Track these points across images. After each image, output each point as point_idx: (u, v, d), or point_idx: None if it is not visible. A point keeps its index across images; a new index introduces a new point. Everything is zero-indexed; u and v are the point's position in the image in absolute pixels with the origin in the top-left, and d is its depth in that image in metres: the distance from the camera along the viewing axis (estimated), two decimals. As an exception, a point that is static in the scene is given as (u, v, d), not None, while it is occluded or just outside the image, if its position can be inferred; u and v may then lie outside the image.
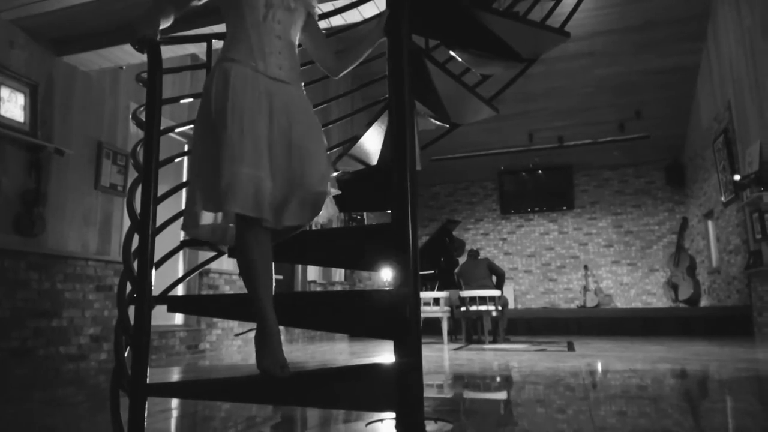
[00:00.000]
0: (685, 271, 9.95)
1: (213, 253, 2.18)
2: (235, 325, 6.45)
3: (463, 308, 6.88)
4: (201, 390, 1.72)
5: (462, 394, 2.69)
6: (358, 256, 1.79)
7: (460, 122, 2.66)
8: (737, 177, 7.31)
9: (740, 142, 7.43)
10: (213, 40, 2.44)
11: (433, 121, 2.66)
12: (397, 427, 1.64)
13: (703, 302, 9.78)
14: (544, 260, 11.87)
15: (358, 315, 1.68)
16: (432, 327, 7.47)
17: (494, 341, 6.80)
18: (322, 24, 4.26)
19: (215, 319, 6.14)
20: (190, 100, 2.41)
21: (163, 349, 5.28)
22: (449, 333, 7.35)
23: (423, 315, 6.88)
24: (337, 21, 3.90)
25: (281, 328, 1.68)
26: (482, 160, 11.56)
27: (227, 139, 1.57)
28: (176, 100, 2.28)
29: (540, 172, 12.00)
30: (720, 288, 8.97)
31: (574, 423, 1.84)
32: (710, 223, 9.59)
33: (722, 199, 8.24)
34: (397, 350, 1.70)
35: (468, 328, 7.18)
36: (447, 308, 7.03)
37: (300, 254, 1.96)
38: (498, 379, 3.33)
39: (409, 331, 1.66)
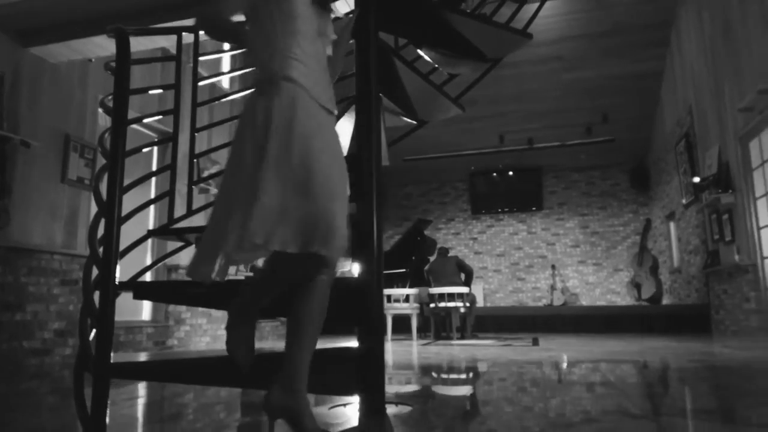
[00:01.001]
0: (648, 270, 10.25)
1: (180, 244, 2.20)
2: (204, 322, 6.43)
3: (432, 305, 6.98)
4: (165, 370, 1.75)
5: (424, 381, 2.77)
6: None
7: (427, 119, 2.74)
8: (697, 179, 7.58)
9: (700, 146, 7.72)
10: (183, 33, 2.46)
11: (402, 118, 2.73)
12: (359, 409, 1.70)
13: (665, 301, 10.09)
14: (512, 260, 12.08)
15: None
16: (402, 324, 7.55)
17: (462, 337, 6.92)
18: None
19: (184, 316, 6.11)
20: (159, 91, 2.42)
21: (130, 345, 5.24)
22: (418, 330, 7.44)
23: (393, 312, 6.96)
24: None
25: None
26: (454, 161, 11.72)
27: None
28: (144, 90, 2.29)
29: (511, 173, 12.21)
30: (680, 287, 9.28)
31: (527, 404, 1.92)
32: (672, 225, 9.90)
33: (683, 201, 8.53)
34: (360, 336, 1.76)
35: (437, 325, 7.29)
36: (416, 305, 7.12)
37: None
38: (461, 368, 3.42)
39: (371, 316, 1.72)
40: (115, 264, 1.63)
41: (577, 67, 9.46)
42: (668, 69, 9.31)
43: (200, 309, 6.35)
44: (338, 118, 2.27)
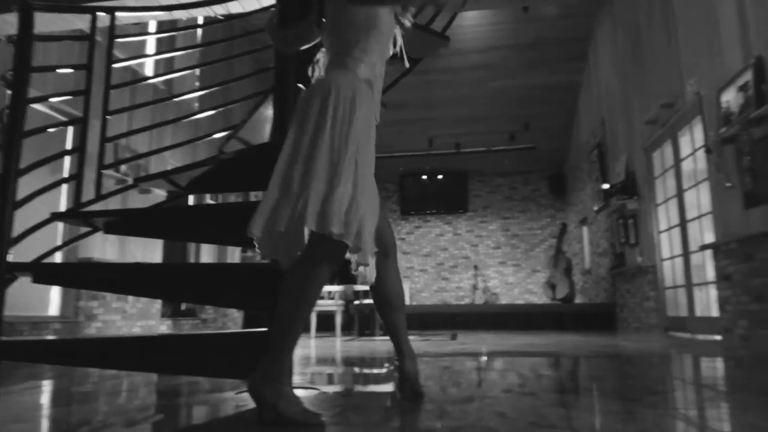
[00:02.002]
0: (563, 272, 10.84)
1: (87, 229, 2.14)
2: (118, 319, 6.17)
3: (356, 302, 7.05)
4: (57, 350, 1.70)
5: (338, 370, 2.83)
6: (233, 231, 1.86)
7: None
8: (606, 186, 8.11)
9: (611, 155, 8.26)
10: (97, 13, 2.39)
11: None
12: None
13: (577, 300, 10.71)
14: (438, 260, 12.40)
15: (228, 286, 1.74)
16: (327, 321, 7.58)
17: (385, 334, 7.03)
18: (219, 10, 4.24)
19: (96, 311, 5.84)
20: (70, 70, 2.34)
21: (35, 341, 4.95)
22: (343, 327, 7.48)
23: (317, 309, 6.96)
24: (235, 8, 3.91)
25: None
26: (383, 162, 11.76)
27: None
28: (51, 68, 2.21)
29: (440, 176, 12.53)
30: (591, 287, 9.88)
31: (428, 384, 2.02)
32: (585, 229, 10.53)
33: (595, 207, 9.10)
34: (269, 320, 1.79)
35: (361, 322, 7.36)
36: (341, 302, 7.16)
37: (176, 230, 1.99)
38: (375, 359, 3.51)
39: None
40: (7, 246, 1.58)
41: (502, 76, 9.86)
42: (585, 82, 9.90)
43: (114, 305, 6.09)
44: (256, 108, 2.29)
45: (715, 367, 2.85)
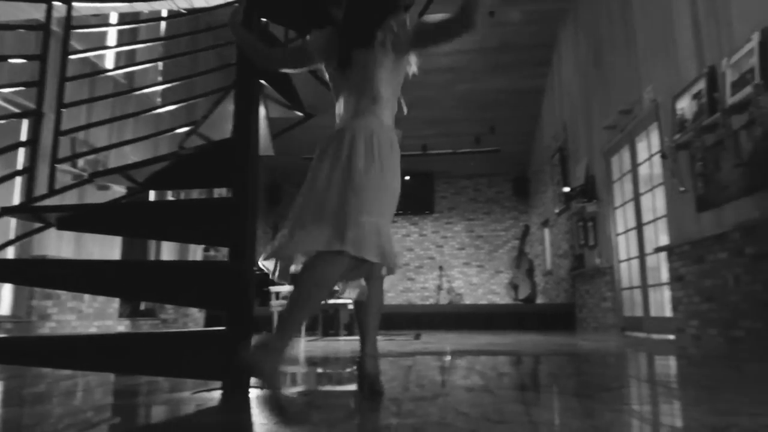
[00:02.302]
0: (525, 273, 11.04)
1: (39, 224, 2.07)
2: (73, 319, 5.97)
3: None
4: (8, 349, 1.64)
5: (299, 369, 2.81)
6: (193, 228, 1.83)
7: (314, 112, 2.78)
8: (567, 189, 8.30)
9: (572, 159, 8.46)
10: (53, 2, 2.31)
11: (290, 110, 2.75)
12: (223, 394, 1.71)
13: (539, 300, 10.92)
14: (404, 261, 12.46)
15: (189, 284, 1.71)
16: (290, 321, 7.51)
17: (350, 334, 7.02)
18: (182, 3, 4.16)
19: (50, 311, 5.64)
20: (22, 61, 2.26)
21: (-17, 342, 4.75)
22: (307, 328, 7.43)
23: (280, 308, 6.90)
24: (199, 2, 3.83)
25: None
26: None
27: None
28: (3, 59, 2.12)
29: (408, 177, 12.58)
30: (551, 288, 10.09)
31: (391, 384, 2.03)
32: (546, 231, 10.75)
33: (556, 209, 9.30)
34: (229, 319, 1.77)
35: (325, 322, 7.33)
36: (305, 302, 7.11)
37: (134, 227, 1.94)
38: (337, 358, 3.50)
39: (241, 300, 1.74)
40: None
41: (469, 79, 9.98)
42: (549, 87, 10.10)
43: (69, 304, 5.89)
44: (218, 104, 2.26)
45: (667, 365, 2.95)
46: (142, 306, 7.65)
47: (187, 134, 2.36)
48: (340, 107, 1.83)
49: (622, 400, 1.71)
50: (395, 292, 12.24)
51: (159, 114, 5.85)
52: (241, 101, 1.84)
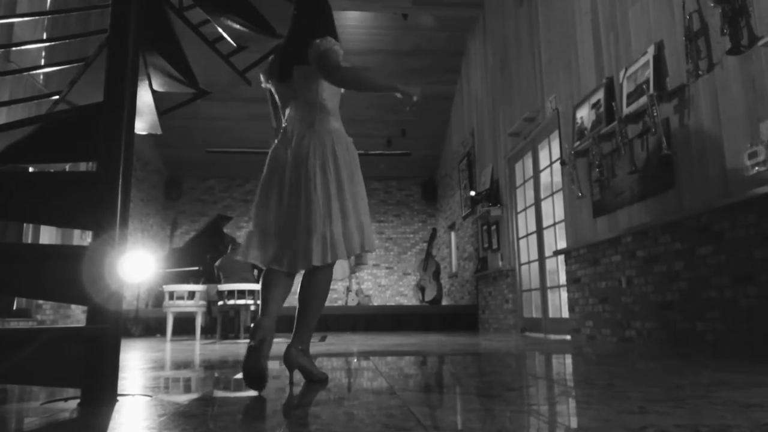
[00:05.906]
0: (432, 275, 11.18)
1: None
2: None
3: (220, 302, 6.63)
4: None
5: (184, 374, 2.55)
6: (47, 205, 1.54)
7: (209, 89, 2.54)
8: (473, 193, 8.49)
9: (479, 165, 8.67)
10: None
11: (180, 84, 2.49)
12: (81, 403, 1.44)
13: (444, 302, 11.10)
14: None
15: (67, 275, 1.43)
16: (187, 324, 7.05)
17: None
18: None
19: None
20: None
21: None
22: (206, 331, 7.01)
23: (175, 309, 6.44)
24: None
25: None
26: (260, 158, 11.41)
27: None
28: None
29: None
30: (456, 290, 10.29)
31: (276, 378, 1.86)
32: (453, 234, 10.96)
33: (462, 213, 9.49)
34: (90, 315, 1.50)
35: (224, 324, 6.94)
36: (203, 302, 6.70)
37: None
38: (229, 361, 3.25)
39: (106, 294, 1.48)
40: None
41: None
42: (458, 93, 10.32)
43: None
44: (88, 65, 1.96)
45: (564, 364, 3.00)
46: (15, 305, 6.83)
47: (56, 102, 2.04)
48: (291, 112, 2.20)
49: (523, 399, 1.65)
50: (302, 294, 11.95)
51: (43, 88, 5.23)
52: (115, 62, 1.58)
